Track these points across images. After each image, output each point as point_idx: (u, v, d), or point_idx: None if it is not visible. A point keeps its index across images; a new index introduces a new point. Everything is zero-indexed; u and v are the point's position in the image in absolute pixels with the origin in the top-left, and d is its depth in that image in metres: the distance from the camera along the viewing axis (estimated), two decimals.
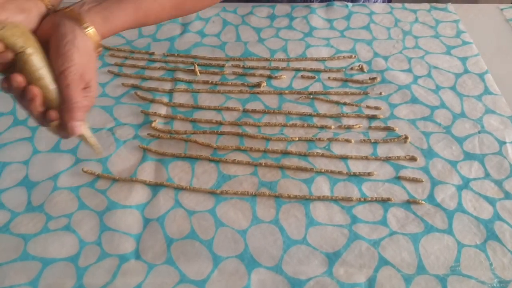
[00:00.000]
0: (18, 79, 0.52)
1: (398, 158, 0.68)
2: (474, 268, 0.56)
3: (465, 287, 0.54)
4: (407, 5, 0.96)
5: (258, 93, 0.78)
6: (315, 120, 0.73)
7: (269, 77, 0.80)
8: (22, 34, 0.52)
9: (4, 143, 0.69)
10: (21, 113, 0.73)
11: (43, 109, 0.54)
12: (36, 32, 0.55)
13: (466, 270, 0.56)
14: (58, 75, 0.53)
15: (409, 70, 0.81)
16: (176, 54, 0.85)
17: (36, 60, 0.52)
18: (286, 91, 0.78)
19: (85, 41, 0.55)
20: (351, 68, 0.82)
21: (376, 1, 1.05)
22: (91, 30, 0.55)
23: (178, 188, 0.64)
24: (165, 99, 0.77)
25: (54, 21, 0.55)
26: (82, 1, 0.57)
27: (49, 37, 0.55)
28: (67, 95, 0.53)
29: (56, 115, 0.54)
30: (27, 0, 0.55)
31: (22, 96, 0.53)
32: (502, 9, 0.95)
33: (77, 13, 0.55)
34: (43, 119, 0.55)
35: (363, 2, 0.98)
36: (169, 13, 0.65)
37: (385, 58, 0.83)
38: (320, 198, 0.63)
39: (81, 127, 0.55)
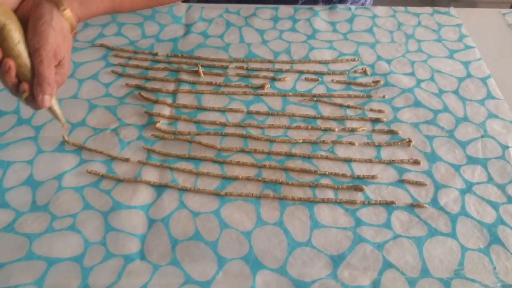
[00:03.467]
0: None
1: (402, 161, 0.68)
2: (477, 271, 0.56)
3: None
4: (409, 8, 0.96)
5: (261, 94, 0.78)
6: (319, 122, 0.74)
7: (273, 79, 0.80)
8: (4, 12, 0.56)
9: (8, 143, 0.69)
10: (25, 112, 0.73)
11: (17, 81, 0.59)
12: (16, 11, 0.59)
13: (470, 274, 0.56)
14: (33, 52, 0.58)
15: (412, 74, 0.82)
16: (179, 55, 0.85)
17: (15, 36, 0.56)
18: (290, 93, 0.78)
19: (62, 22, 0.60)
20: (354, 71, 0.82)
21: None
22: (67, 13, 0.60)
23: (183, 189, 0.64)
24: (169, 100, 0.77)
25: (34, 2, 0.59)
26: None
27: (28, 16, 0.59)
28: (39, 71, 0.58)
29: (27, 87, 0.59)
30: None
31: None
32: (504, 14, 0.95)
33: None
34: (16, 90, 0.59)
35: (362, 4, 0.98)
36: (144, 3, 0.70)
37: (388, 62, 0.84)
38: (324, 201, 0.63)
39: (50, 100, 0.60)
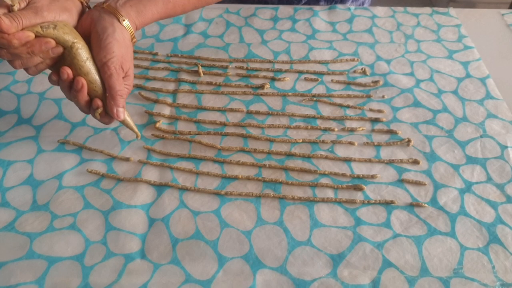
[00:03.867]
0: (68, 71, 0.58)
1: (401, 161, 0.68)
2: (476, 271, 0.56)
3: None
4: (409, 9, 0.96)
5: (261, 94, 0.78)
6: (319, 122, 0.74)
7: (273, 79, 0.81)
8: (71, 31, 0.58)
9: (8, 142, 0.69)
10: (25, 112, 0.74)
11: (89, 99, 0.61)
12: (76, 28, 0.60)
13: (469, 273, 0.56)
14: (101, 66, 0.59)
15: (411, 74, 0.82)
16: (179, 55, 0.85)
17: (83, 54, 0.58)
18: (290, 93, 0.78)
19: (123, 33, 0.61)
20: (354, 71, 0.82)
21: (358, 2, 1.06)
22: (127, 23, 0.61)
23: (183, 189, 0.64)
24: (169, 99, 0.77)
25: (92, 17, 0.60)
26: None
27: (88, 32, 0.60)
28: (110, 84, 0.59)
29: (101, 103, 0.61)
30: (66, 0, 0.60)
31: (70, 87, 0.60)
32: (503, 14, 0.96)
33: (114, 8, 0.61)
34: (88, 108, 0.61)
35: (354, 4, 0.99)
36: (193, 5, 0.71)
37: (388, 62, 0.84)
38: (324, 200, 0.63)
39: (124, 112, 0.62)
